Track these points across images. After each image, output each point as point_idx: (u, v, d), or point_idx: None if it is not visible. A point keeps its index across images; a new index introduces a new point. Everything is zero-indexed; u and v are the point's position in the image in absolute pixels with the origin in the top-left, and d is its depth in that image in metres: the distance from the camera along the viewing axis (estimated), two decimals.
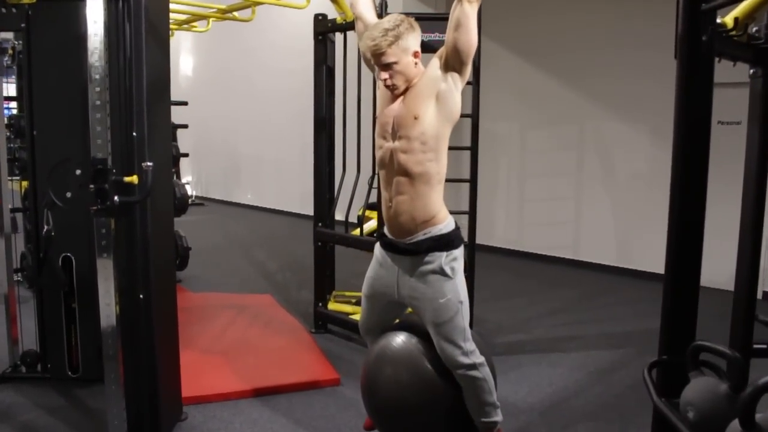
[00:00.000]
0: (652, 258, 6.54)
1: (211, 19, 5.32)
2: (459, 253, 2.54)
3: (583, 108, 7.03)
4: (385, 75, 2.41)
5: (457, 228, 2.56)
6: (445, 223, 2.50)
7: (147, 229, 2.70)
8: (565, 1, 7.03)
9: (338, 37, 4.57)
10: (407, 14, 2.56)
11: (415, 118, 2.41)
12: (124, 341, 2.73)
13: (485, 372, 2.55)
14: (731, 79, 2.73)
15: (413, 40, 2.43)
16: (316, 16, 4.55)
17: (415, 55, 2.43)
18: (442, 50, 2.42)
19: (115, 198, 2.48)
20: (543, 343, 4.53)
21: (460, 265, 2.54)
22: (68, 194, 3.26)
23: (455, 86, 2.43)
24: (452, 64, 2.38)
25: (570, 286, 6.32)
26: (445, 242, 2.49)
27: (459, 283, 2.52)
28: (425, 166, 2.43)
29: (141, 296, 2.75)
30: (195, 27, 5.74)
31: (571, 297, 5.86)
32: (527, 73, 7.45)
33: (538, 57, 7.34)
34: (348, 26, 4.33)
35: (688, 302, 1.75)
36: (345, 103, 4.49)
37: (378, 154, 2.56)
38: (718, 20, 1.79)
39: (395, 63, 2.38)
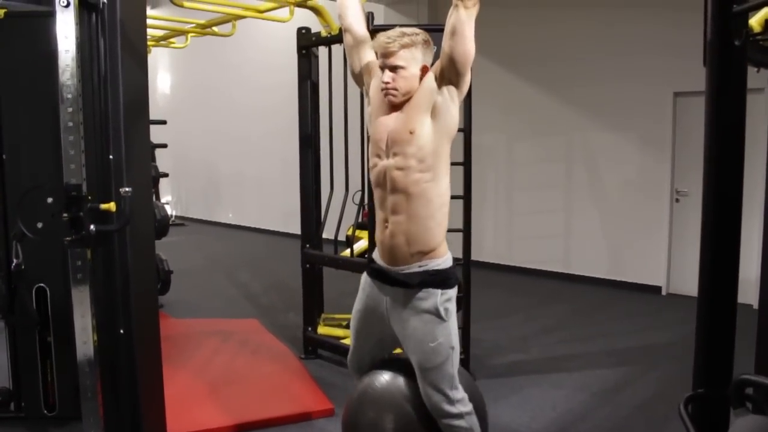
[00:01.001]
0: (645, 270, 6.45)
1: (189, 35, 5.15)
2: (454, 293, 2.37)
3: (569, 118, 6.94)
4: (388, 78, 2.27)
5: (454, 266, 2.39)
6: (444, 259, 2.34)
7: (126, 259, 2.52)
8: (548, 11, 6.96)
9: (322, 51, 4.42)
10: (391, 26, 2.44)
11: (411, 133, 2.26)
12: (103, 379, 2.55)
13: (472, 422, 2.37)
14: None
15: (426, 55, 2.32)
16: (299, 29, 4.39)
17: (423, 69, 2.30)
18: (438, 62, 2.28)
19: (91, 227, 2.29)
20: (542, 362, 4.37)
21: (453, 308, 2.37)
22: (39, 224, 3.05)
23: (452, 99, 2.28)
24: (448, 75, 2.23)
25: (563, 300, 6.19)
26: (442, 279, 2.32)
27: (452, 327, 2.34)
28: (422, 187, 2.26)
29: (121, 331, 2.56)
30: (173, 43, 5.56)
31: (565, 312, 5.73)
32: (511, 84, 7.36)
33: (522, 67, 7.26)
34: (332, 40, 4.17)
35: (724, 331, 1.60)
36: (331, 118, 4.33)
37: (373, 172, 2.39)
38: None
39: (402, 68, 2.26)
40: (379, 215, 2.40)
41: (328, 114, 4.34)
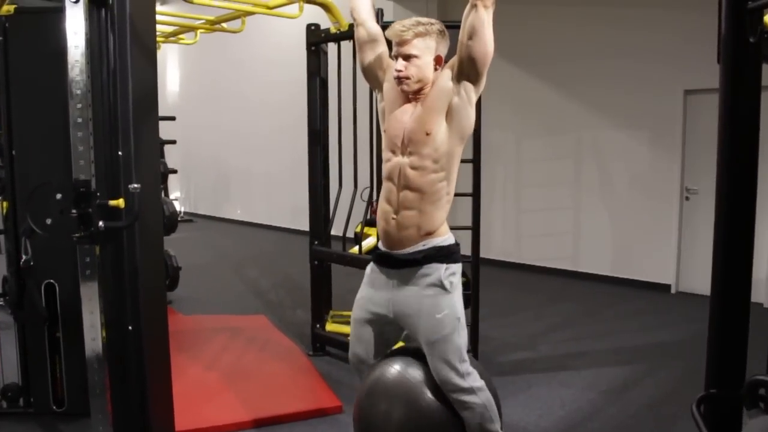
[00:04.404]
0: (653, 268, 6.42)
1: (199, 31, 5.14)
2: (458, 268, 2.41)
3: (580, 117, 6.91)
4: (400, 66, 2.28)
5: (457, 244, 2.43)
6: (446, 237, 2.38)
7: (135, 256, 2.52)
8: (560, 10, 6.93)
9: (331, 47, 4.41)
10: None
11: (428, 134, 2.29)
12: (112, 375, 2.56)
13: (485, 397, 2.38)
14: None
15: (441, 45, 2.33)
16: (309, 26, 4.38)
17: (437, 59, 2.32)
18: (454, 60, 2.28)
19: (100, 223, 2.30)
20: (551, 360, 4.36)
21: (458, 281, 2.40)
22: (48, 221, 3.05)
23: (469, 99, 2.29)
24: (467, 73, 2.25)
25: (572, 298, 6.17)
26: (445, 254, 2.36)
27: (457, 299, 2.38)
28: (436, 187, 2.32)
29: (130, 327, 2.56)
30: (182, 39, 5.56)
31: (574, 310, 5.71)
32: (523, 82, 7.33)
33: (534, 66, 7.23)
34: (342, 36, 4.16)
35: (738, 330, 1.58)
36: (340, 115, 4.32)
37: (386, 166, 2.42)
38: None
39: (416, 57, 2.27)
40: (384, 207, 2.42)
41: (336, 110, 4.34)
